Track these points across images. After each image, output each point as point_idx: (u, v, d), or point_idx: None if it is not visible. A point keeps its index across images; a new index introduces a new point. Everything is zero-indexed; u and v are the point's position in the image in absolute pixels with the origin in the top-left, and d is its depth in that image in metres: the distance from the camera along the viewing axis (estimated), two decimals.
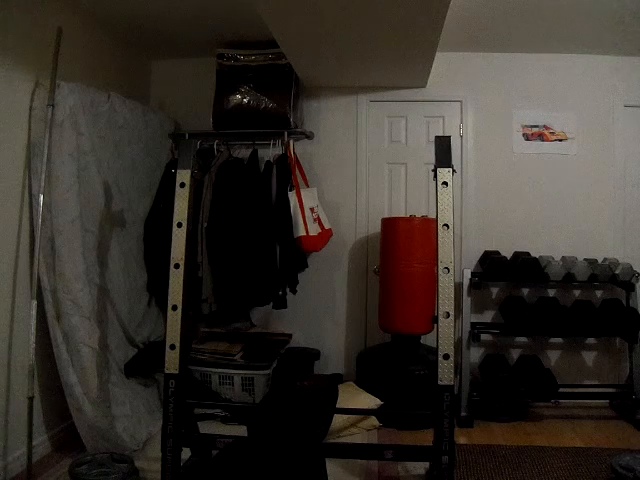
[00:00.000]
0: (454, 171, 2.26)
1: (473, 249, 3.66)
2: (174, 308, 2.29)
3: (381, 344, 3.54)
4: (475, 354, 3.56)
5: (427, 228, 3.15)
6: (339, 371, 3.72)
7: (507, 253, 3.52)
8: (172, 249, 2.32)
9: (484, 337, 3.52)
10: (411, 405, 3.01)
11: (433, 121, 3.75)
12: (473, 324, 3.39)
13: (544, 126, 3.68)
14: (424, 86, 3.70)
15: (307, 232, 3.33)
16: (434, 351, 2.23)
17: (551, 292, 3.58)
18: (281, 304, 3.39)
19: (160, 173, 3.51)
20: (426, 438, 2.42)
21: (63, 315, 2.54)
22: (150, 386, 3.13)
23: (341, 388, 2.76)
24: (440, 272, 2.17)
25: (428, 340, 3.40)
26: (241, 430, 2.26)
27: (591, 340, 3.61)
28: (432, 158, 2.33)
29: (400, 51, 2.97)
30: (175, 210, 2.34)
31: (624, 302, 3.35)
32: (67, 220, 2.56)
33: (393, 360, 3.24)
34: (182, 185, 2.36)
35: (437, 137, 2.34)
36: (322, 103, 3.80)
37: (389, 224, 3.36)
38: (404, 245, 3.22)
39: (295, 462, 1.68)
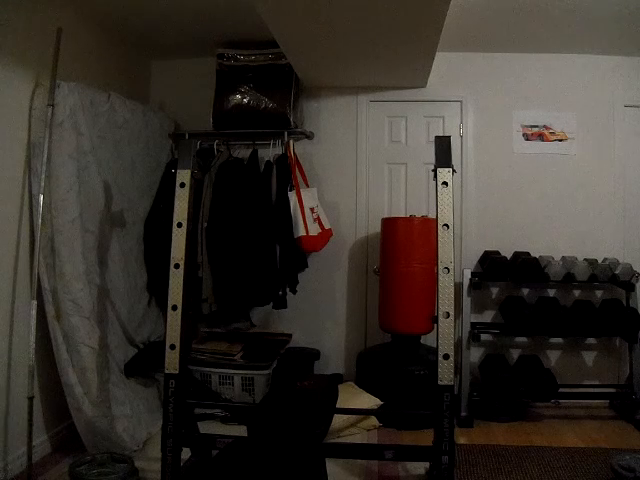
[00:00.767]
0: (454, 171, 2.26)
1: (473, 249, 3.66)
2: (174, 308, 2.29)
3: (381, 344, 3.55)
4: (475, 354, 3.57)
5: (427, 228, 3.15)
6: (339, 371, 3.72)
7: (507, 253, 3.52)
8: (172, 249, 2.32)
9: (484, 337, 3.52)
10: (411, 405, 3.01)
11: (433, 121, 3.75)
12: (473, 324, 3.40)
13: (544, 126, 3.68)
14: (424, 86, 3.70)
15: (307, 232, 3.33)
16: (434, 351, 2.23)
17: (551, 292, 3.58)
18: (281, 304, 3.39)
19: (160, 173, 3.51)
20: (426, 438, 2.42)
21: (63, 315, 2.54)
22: (150, 386, 3.13)
23: (341, 388, 2.76)
24: (440, 272, 2.17)
25: (428, 340, 3.40)
26: (241, 430, 2.27)
27: (591, 340, 3.61)
28: (432, 158, 2.33)
29: (400, 51, 2.97)
30: (175, 210, 2.34)
31: (624, 302, 3.36)
32: (67, 220, 2.56)
33: (393, 360, 3.25)
34: (182, 185, 2.36)
35: (437, 137, 2.34)
36: (322, 103, 3.80)
37: (389, 224, 3.36)
38: (404, 245, 3.23)
39: (295, 462, 1.68)
